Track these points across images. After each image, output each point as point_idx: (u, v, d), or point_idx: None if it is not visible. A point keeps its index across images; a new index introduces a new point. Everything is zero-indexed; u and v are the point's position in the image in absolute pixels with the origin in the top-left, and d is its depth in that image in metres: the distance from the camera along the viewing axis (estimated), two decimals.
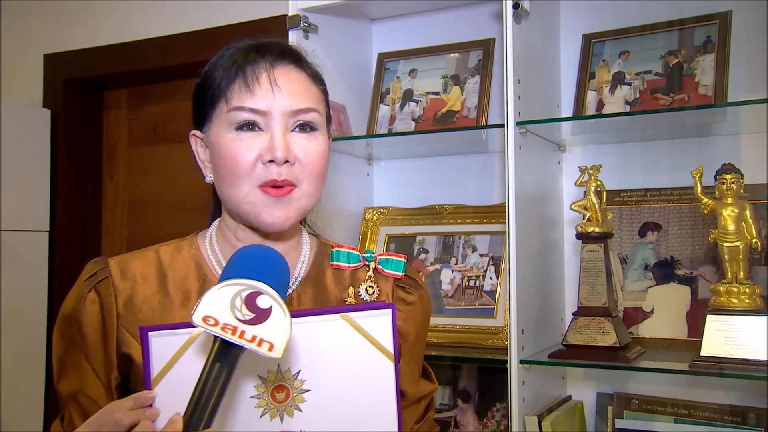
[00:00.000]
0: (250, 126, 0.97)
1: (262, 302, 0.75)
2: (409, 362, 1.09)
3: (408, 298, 1.10)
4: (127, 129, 2.77)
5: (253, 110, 0.97)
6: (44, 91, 2.70)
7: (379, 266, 1.10)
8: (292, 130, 0.98)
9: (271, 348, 0.75)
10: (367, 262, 1.10)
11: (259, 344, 0.74)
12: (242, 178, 0.96)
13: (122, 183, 2.77)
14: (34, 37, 2.75)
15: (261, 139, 0.96)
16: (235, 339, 0.74)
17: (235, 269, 0.79)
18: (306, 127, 0.99)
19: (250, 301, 0.75)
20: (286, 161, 0.96)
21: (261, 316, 0.75)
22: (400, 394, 1.08)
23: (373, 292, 1.08)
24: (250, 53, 0.99)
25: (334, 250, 1.11)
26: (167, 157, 2.65)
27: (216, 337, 0.75)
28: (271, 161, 0.95)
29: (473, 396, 1.87)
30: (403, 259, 1.11)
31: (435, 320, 1.71)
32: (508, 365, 1.53)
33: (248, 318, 0.75)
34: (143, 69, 2.52)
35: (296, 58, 1.02)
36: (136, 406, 0.83)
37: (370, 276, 1.09)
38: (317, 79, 1.05)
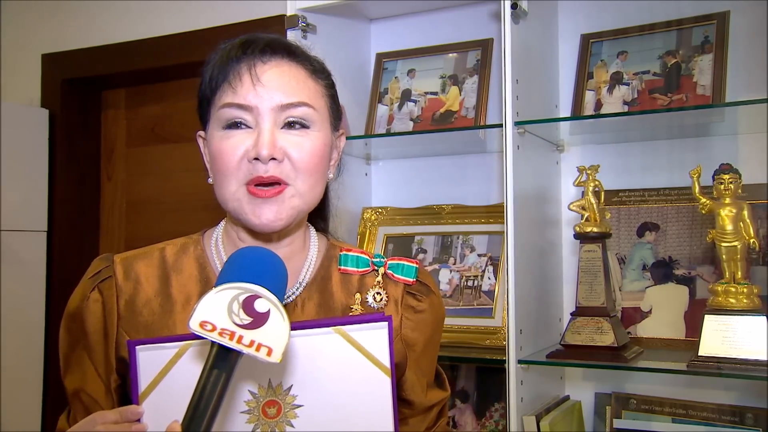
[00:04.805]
0: (237, 124, 0.95)
1: (260, 306, 0.74)
2: (416, 372, 1.05)
3: (418, 306, 1.05)
4: (125, 129, 2.76)
5: (239, 106, 0.94)
6: (42, 91, 2.69)
7: (390, 271, 1.05)
8: (283, 127, 0.95)
9: (269, 353, 0.73)
10: (376, 267, 1.06)
11: (258, 349, 0.72)
12: (229, 176, 0.94)
13: (120, 183, 2.77)
14: (33, 36, 2.75)
15: (249, 136, 0.94)
16: (232, 344, 0.72)
17: (231, 272, 0.77)
18: (296, 124, 0.96)
19: (248, 305, 0.73)
20: (273, 158, 0.93)
21: (259, 320, 0.73)
22: (408, 404, 1.05)
23: (381, 299, 1.04)
24: (234, 50, 0.97)
25: (342, 253, 1.06)
26: (165, 157, 2.65)
27: (213, 342, 0.73)
28: (256, 158, 0.92)
29: (471, 396, 1.87)
30: (415, 265, 1.06)
31: None
32: (507, 365, 1.53)
33: (246, 322, 0.73)
34: (141, 69, 2.52)
35: (288, 51, 0.98)
36: (122, 420, 0.82)
37: (378, 282, 1.05)
38: (318, 72, 1.01)
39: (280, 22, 1.86)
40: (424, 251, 1.94)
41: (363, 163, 2.08)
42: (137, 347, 0.83)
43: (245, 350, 0.73)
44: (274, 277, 0.79)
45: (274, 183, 0.94)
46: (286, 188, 0.95)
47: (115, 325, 0.98)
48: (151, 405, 0.82)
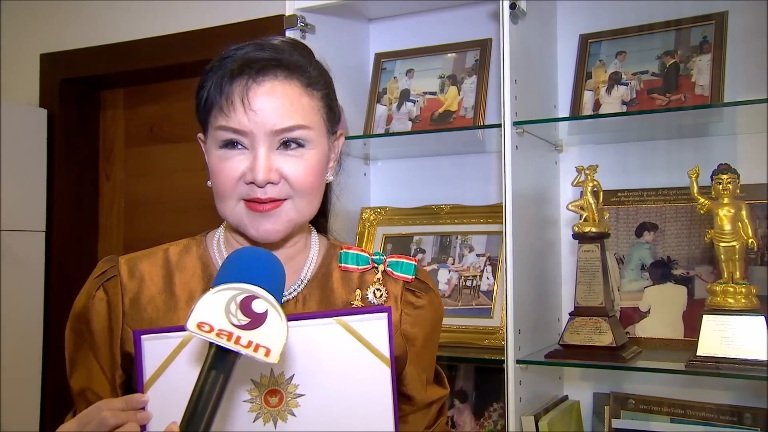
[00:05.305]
0: (234, 143, 0.96)
1: (258, 306, 0.74)
2: (416, 367, 1.07)
3: (417, 302, 1.08)
4: (123, 129, 2.76)
5: (235, 130, 0.95)
6: (41, 91, 2.69)
7: (389, 269, 1.08)
8: (278, 148, 0.96)
9: (267, 353, 0.73)
10: (375, 265, 1.08)
11: (255, 350, 0.73)
12: (227, 194, 0.97)
13: (119, 183, 2.77)
14: (31, 36, 2.75)
15: (245, 158, 0.96)
16: (230, 345, 0.73)
17: (229, 273, 0.78)
18: (292, 144, 0.97)
19: (245, 305, 0.74)
20: (270, 182, 0.95)
21: (257, 320, 0.73)
22: (408, 399, 1.07)
23: (381, 296, 1.06)
24: (229, 72, 0.96)
25: (342, 251, 1.10)
26: (164, 157, 2.65)
27: (211, 343, 0.74)
28: (252, 182, 0.95)
29: (470, 396, 1.87)
30: (413, 262, 1.09)
31: None
32: (505, 365, 1.53)
33: (244, 323, 0.73)
34: (140, 69, 2.52)
35: (284, 67, 0.97)
36: (127, 407, 0.83)
37: (378, 279, 1.07)
38: (313, 84, 1.00)
39: (278, 22, 1.86)
40: (423, 251, 1.94)
41: (362, 163, 2.08)
42: (142, 336, 0.85)
43: (243, 351, 0.73)
44: (271, 277, 0.80)
45: (270, 201, 0.96)
46: (283, 202, 0.97)
47: (120, 321, 1.01)
48: (156, 394, 0.84)
